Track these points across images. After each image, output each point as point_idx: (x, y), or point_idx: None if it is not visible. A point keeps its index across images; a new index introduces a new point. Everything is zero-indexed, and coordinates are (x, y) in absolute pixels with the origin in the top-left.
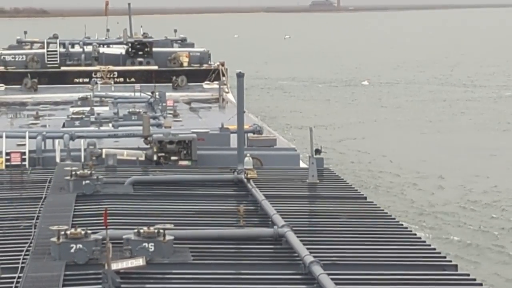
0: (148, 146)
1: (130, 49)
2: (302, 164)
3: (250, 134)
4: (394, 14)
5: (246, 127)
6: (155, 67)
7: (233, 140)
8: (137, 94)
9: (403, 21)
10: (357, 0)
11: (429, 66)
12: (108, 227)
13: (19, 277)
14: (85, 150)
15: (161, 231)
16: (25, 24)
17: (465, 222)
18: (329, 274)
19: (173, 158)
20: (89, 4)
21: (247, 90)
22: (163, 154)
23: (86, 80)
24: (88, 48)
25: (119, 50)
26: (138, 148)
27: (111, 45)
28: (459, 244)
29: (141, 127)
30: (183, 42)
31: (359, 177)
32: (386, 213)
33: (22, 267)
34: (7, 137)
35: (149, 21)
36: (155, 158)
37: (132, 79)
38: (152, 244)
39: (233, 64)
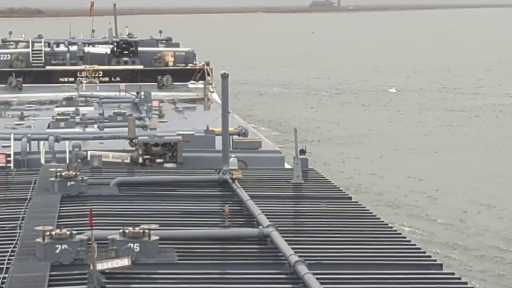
0: (134, 148)
1: (115, 49)
2: (287, 166)
3: (235, 137)
4: (395, 14)
5: (231, 129)
6: (141, 67)
7: (218, 142)
8: (122, 93)
9: (405, 21)
10: (358, 0)
11: (448, 71)
12: (93, 227)
13: (4, 278)
14: (70, 152)
15: (146, 231)
16: (17, 23)
17: None
18: (314, 274)
19: (158, 160)
20: (85, 3)
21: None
22: (148, 156)
23: (71, 79)
24: (73, 48)
25: (104, 49)
26: (124, 150)
27: (96, 45)
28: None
29: (126, 128)
30: (168, 42)
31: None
32: (371, 213)
33: (8, 268)
34: None
35: (146, 22)
36: (140, 160)
37: (118, 79)
38: (138, 244)
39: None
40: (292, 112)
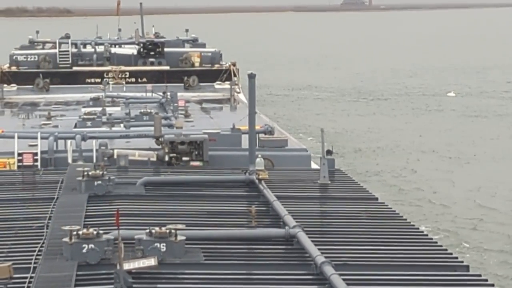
0: (160, 146)
1: (141, 49)
2: (314, 165)
3: (261, 135)
4: (427, 13)
5: (257, 127)
6: (167, 67)
7: (245, 140)
8: (149, 94)
9: (439, 20)
10: None
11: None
12: (120, 227)
13: (31, 277)
14: (96, 150)
15: (173, 231)
16: (45, 23)
17: None
18: (340, 275)
19: (184, 158)
20: (112, 3)
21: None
22: (174, 154)
23: (98, 80)
24: (100, 48)
25: (131, 50)
26: (150, 149)
27: (122, 45)
28: None
29: (152, 128)
30: (194, 42)
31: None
32: (398, 213)
33: (35, 267)
34: (19, 137)
35: (173, 21)
36: (166, 158)
37: (144, 79)
38: (164, 244)
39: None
40: (339, 120)
